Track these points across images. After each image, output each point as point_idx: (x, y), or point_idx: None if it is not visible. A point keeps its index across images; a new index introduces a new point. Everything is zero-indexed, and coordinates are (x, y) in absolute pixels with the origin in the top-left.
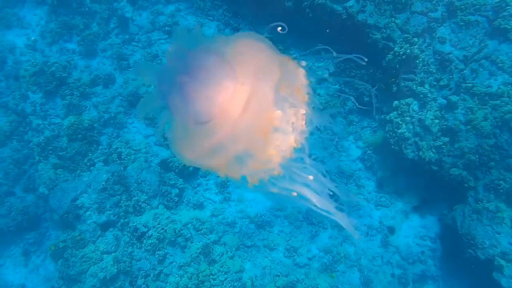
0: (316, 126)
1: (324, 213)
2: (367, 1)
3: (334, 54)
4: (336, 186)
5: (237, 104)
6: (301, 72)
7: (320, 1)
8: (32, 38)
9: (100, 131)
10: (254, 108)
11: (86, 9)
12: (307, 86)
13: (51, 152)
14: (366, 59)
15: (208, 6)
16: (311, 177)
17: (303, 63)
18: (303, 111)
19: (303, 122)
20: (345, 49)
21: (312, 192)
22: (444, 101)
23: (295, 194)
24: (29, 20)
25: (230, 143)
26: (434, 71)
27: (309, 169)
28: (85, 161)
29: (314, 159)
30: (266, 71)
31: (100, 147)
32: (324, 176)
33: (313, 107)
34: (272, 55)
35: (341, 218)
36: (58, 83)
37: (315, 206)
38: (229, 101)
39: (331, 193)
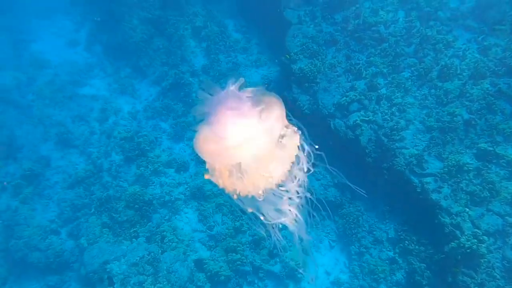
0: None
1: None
2: (445, 183)
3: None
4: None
5: (247, 133)
6: (297, 134)
7: (399, 168)
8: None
9: (156, 209)
10: (261, 141)
11: (190, 100)
12: (300, 140)
13: (106, 210)
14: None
15: None
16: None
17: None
18: (294, 154)
19: (292, 161)
20: (410, 221)
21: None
22: None
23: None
24: (140, 93)
25: (232, 155)
26: (498, 277)
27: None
28: (131, 230)
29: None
30: (278, 120)
31: (149, 223)
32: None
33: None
34: (283, 113)
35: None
36: (140, 153)
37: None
38: (243, 130)
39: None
